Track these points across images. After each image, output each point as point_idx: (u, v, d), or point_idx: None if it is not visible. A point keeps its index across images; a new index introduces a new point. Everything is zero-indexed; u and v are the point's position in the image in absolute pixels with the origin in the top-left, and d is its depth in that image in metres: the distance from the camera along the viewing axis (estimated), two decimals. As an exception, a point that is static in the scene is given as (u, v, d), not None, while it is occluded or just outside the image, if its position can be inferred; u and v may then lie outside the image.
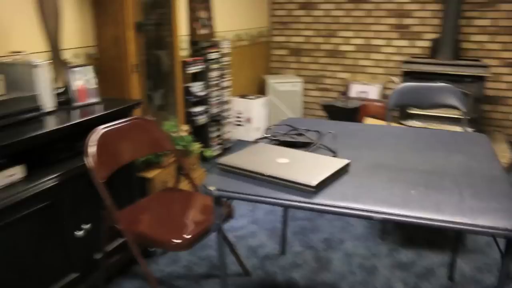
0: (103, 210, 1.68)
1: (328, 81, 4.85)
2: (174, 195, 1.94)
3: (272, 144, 1.57)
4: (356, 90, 4.55)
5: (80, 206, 1.78)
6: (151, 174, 2.55)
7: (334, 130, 1.81)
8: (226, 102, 3.74)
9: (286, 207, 1.02)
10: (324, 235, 2.42)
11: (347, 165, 1.35)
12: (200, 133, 3.51)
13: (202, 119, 3.33)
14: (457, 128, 3.80)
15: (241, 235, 2.43)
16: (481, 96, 3.74)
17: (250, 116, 4.14)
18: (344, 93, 4.68)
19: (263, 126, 4.37)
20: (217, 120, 3.58)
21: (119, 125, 1.80)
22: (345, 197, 1.18)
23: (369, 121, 3.83)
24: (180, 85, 2.90)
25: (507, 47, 4.02)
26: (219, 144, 3.72)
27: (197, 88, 3.23)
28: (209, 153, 2.96)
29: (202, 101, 3.39)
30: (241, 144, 4.11)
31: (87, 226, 1.80)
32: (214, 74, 3.45)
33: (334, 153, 1.52)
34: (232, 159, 1.35)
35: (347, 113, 4.32)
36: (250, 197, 1.20)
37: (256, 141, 1.62)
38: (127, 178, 2.09)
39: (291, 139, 1.60)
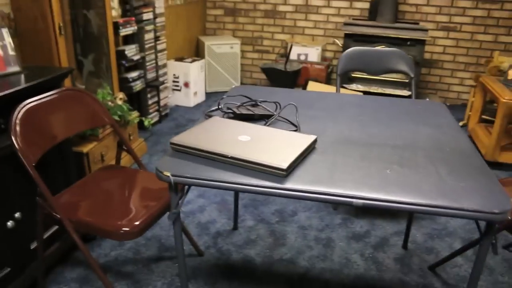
0: (37, 197, 1.46)
1: (266, 42, 4.70)
2: (116, 174, 1.75)
3: (227, 118, 1.43)
4: (296, 52, 4.45)
5: (8, 193, 1.54)
6: (86, 148, 2.31)
7: (289, 99, 1.69)
8: (162, 66, 3.48)
9: (254, 193, 0.94)
10: (275, 207, 2.34)
11: (314, 142, 1.24)
12: (136, 100, 3.26)
13: (137, 85, 3.08)
14: (401, 92, 3.85)
15: (188, 210, 2.30)
16: (421, 60, 3.79)
17: (188, 80, 3.92)
18: (284, 55, 4.56)
19: (201, 90, 4.16)
20: (153, 86, 3.34)
21: (48, 98, 1.56)
22: (319, 180, 1.08)
23: (312, 85, 3.77)
24: (112, 49, 2.62)
25: (442, 11, 4.08)
26: (156, 111, 3.49)
27: (131, 51, 2.95)
28: (148, 122, 2.74)
29: (137, 65, 3.12)
30: (179, 110, 3.90)
31: (18, 215, 1.58)
32: (148, 36, 3.17)
33: (296, 127, 1.41)
34: (187, 138, 1.19)
35: (288, 76, 4.22)
36: (212, 183, 1.06)
37: (209, 115, 1.47)
38: (61, 157, 1.85)
39: (247, 111, 1.46)
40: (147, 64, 3.20)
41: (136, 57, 2.99)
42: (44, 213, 1.47)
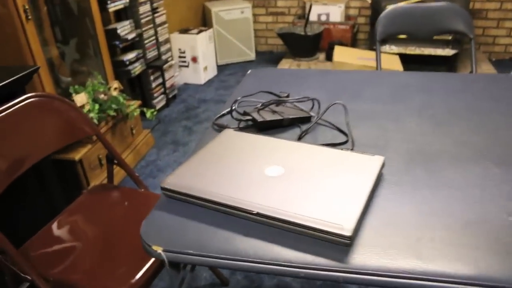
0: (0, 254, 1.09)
1: (281, 3, 4.17)
2: (106, 199, 1.36)
3: (246, 130, 1.00)
4: (316, 12, 3.92)
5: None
6: (78, 153, 1.92)
7: (322, 85, 1.25)
8: (164, 42, 3.03)
9: (295, 277, 0.65)
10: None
11: (381, 167, 0.81)
12: (137, 85, 2.84)
13: (136, 68, 2.65)
14: (443, 51, 3.33)
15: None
16: (467, 11, 3.24)
17: (195, 54, 3.46)
18: (302, 17, 4.04)
19: (211, 64, 3.71)
20: (155, 66, 2.90)
21: (8, 111, 1.16)
22: (406, 246, 0.65)
23: (340, 51, 3.27)
24: (100, 29, 2.18)
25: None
26: (162, 94, 3.07)
27: (124, 29, 2.50)
28: (150, 113, 2.33)
29: (134, 45, 2.68)
30: (189, 89, 3.47)
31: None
32: (143, 8, 2.71)
33: (346, 137, 0.98)
34: (187, 177, 0.77)
35: (308, 40, 3.73)
36: (228, 262, 0.65)
37: (219, 125, 1.04)
38: (39, 179, 1.46)
39: (273, 115, 1.03)
40: (146, 41, 2.75)
41: (131, 35, 2.54)
42: (11, 273, 1.09)
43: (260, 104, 1.06)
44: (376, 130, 1.01)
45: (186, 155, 2.48)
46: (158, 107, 3.00)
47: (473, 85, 1.24)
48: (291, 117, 1.03)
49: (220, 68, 3.94)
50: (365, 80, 1.31)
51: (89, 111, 1.90)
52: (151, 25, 2.80)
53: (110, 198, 1.35)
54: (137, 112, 2.27)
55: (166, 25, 3.01)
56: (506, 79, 1.28)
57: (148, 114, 2.33)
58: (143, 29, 2.69)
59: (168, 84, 3.10)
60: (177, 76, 3.39)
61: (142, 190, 1.42)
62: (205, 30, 3.52)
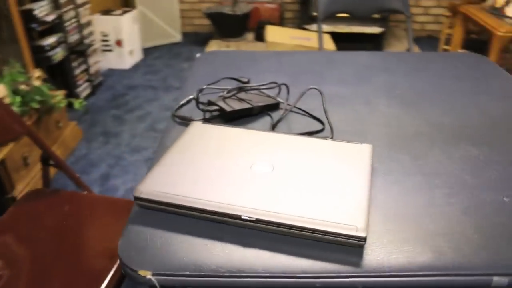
0: None
1: (207, -18, 4.02)
2: (44, 207, 1.19)
3: (213, 122, 0.91)
4: (243, -9, 3.82)
5: None
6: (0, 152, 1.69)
7: (277, 68, 1.18)
8: (87, 25, 2.78)
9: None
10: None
11: (372, 155, 0.76)
12: (59, 73, 2.58)
13: (58, 54, 2.40)
14: (370, 29, 3.39)
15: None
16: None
17: (120, 37, 3.23)
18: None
19: (137, 48, 3.49)
20: (78, 51, 2.65)
21: None
22: (414, 239, 0.61)
23: (272, 31, 3.22)
24: (14, 9, 1.92)
25: None
26: (87, 81, 2.82)
27: (41, 10, 2.24)
28: (79, 104, 2.13)
29: (54, 28, 2.41)
30: (114, 75, 3.23)
31: None
32: (62, -14, 2.45)
33: (322, 124, 0.92)
34: (164, 183, 0.67)
35: (237, 20, 3.63)
36: (235, 280, 0.56)
37: (183, 118, 0.93)
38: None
39: (242, 103, 0.94)
40: (67, 24, 2.50)
41: (50, 17, 2.29)
42: None
43: (226, 92, 0.97)
44: (350, 115, 0.96)
45: (120, 147, 2.31)
46: (83, 96, 2.76)
47: (431, 64, 1.24)
48: (260, 104, 0.95)
49: (146, 51, 3.73)
50: (322, 62, 1.26)
51: (10, 105, 1.67)
52: (72, 6, 2.54)
53: (48, 205, 1.19)
54: (63, 103, 2.05)
55: (88, 6, 2.76)
56: (462, 57, 1.30)
57: (76, 105, 2.12)
58: (63, 9, 2.43)
59: (92, 71, 2.86)
60: (101, 62, 3.14)
61: (85, 192, 1.27)
62: (129, 11, 3.29)
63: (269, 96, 0.99)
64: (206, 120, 0.91)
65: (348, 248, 0.59)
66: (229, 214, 0.61)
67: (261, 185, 0.65)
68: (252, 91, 1.01)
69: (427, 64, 1.24)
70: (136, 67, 3.41)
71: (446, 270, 0.57)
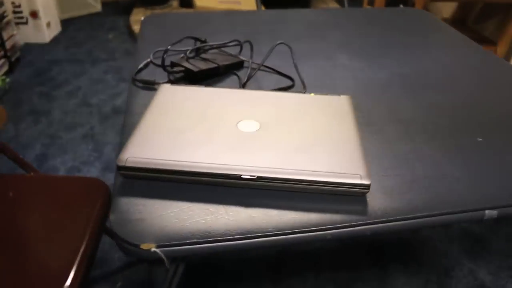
0: None
1: None
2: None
3: (180, 84, 0.86)
4: (166, -46, 3.63)
5: None
6: None
7: (228, 27, 1.14)
8: (-4, -6, 2.50)
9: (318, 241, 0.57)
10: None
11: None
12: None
13: (-33, 28, 2.14)
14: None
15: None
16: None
17: (34, 8, 2.95)
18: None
19: (54, 19, 3.22)
20: (-9, 24, 2.39)
21: None
22: (420, 189, 0.62)
23: (203, -5, 3.10)
24: None
25: None
26: (3, 57, 2.57)
27: None
28: (1, 82, 1.93)
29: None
30: (33, 49, 2.97)
31: None
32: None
33: (292, 80, 0.90)
34: (149, 149, 0.61)
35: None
36: (250, 242, 0.54)
37: (146, 82, 0.86)
38: None
39: (207, 63, 0.89)
40: (-26, -7, 2.22)
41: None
42: None
43: (188, 52, 0.91)
44: (314, 70, 0.95)
45: (52, 125, 2.14)
46: (5, 78, 2.51)
47: (377, 20, 1.25)
48: (226, 63, 0.90)
49: (64, 23, 3.45)
50: (274, 21, 1.23)
51: None
52: (-23, -28, 2.26)
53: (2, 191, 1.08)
54: (-17, 82, 1.85)
55: (-6, -28, 2.47)
56: (404, 12, 1.33)
57: (0, 83, 1.92)
58: (-32, -23, 2.16)
59: (8, 45, 2.60)
60: (16, 36, 2.85)
61: (32, 174, 1.16)
62: (42, -22, 3.00)
63: (231, 55, 0.95)
64: (172, 82, 0.85)
65: (350, 197, 0.58)
66: (227, 174, 0.57)
67: (252, 143, 0.63)
68: (213, 51, 0.96)
69: (373, 19, 1.25)
70: (56, 40, 3.15)
71: (443, 209, 0.59)
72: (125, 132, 0.69)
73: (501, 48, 2.69)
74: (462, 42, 1.11)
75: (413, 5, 2.60)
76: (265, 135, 0.64)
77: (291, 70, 0.93)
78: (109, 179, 1.75)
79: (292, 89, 0.87)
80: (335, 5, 3.65)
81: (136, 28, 3.23)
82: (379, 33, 1.15)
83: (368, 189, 0.57)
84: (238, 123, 0.67)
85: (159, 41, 1.05)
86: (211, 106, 0.72)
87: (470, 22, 3.04)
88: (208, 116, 0.69)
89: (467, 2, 2.90)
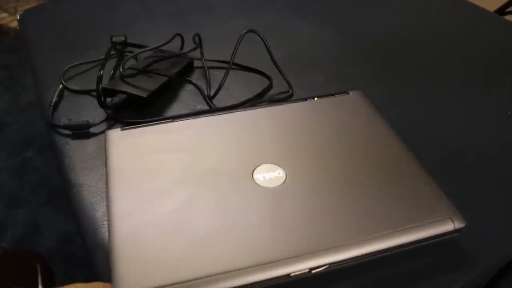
0: None
1: None
2: None
3: (123, 117, 0.62)
4: None
5: None
6: None
7: (139, 11, 0.89)
8: None
9: None
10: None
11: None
12: None
13: None
14: None
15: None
16: None
17: None
18: None
19: None
20: None
21: None
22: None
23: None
24: None
25: None
26: None
27: None
28: None
29: None
30: None
31: None
32: None
33: (268, 79, 0.70)
34: (150, 268, 0.39)
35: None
36: None
37: (78, 128, 0.60)
38: None
39: (155, 79, 0.64)
40: None
41: None
42: None
43: (121, 67, 0.65)
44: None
45: None
46: None
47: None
48: (176, 71, 0.67)
49: None
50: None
51: None
52: None
53: None
54: None
55: None
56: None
57: None
58: None
59: None
60: None
61: None
62: None
63: (174, 54, 0.70)
64: (115, 120, 0.61)
65: (444, 243, 0.44)
66: (270, 278, 0.38)
67: (286, 205, 0.44)
68: (146, 54, 0.72)
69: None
70: None
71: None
72: (81, 224, 0.46)
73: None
74: None
75: None
76: (298, 186, 0.46)
77: (257, 63, 0.72)
78: None
79: (272, 91, 0.67)
80: None
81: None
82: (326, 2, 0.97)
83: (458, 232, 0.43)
84: (253, 172, 0.47)
85: (60, 49, 0.76)
86: (199, 154, 0.50)
87: None
88: (203, 174, 0.47)
89: None
